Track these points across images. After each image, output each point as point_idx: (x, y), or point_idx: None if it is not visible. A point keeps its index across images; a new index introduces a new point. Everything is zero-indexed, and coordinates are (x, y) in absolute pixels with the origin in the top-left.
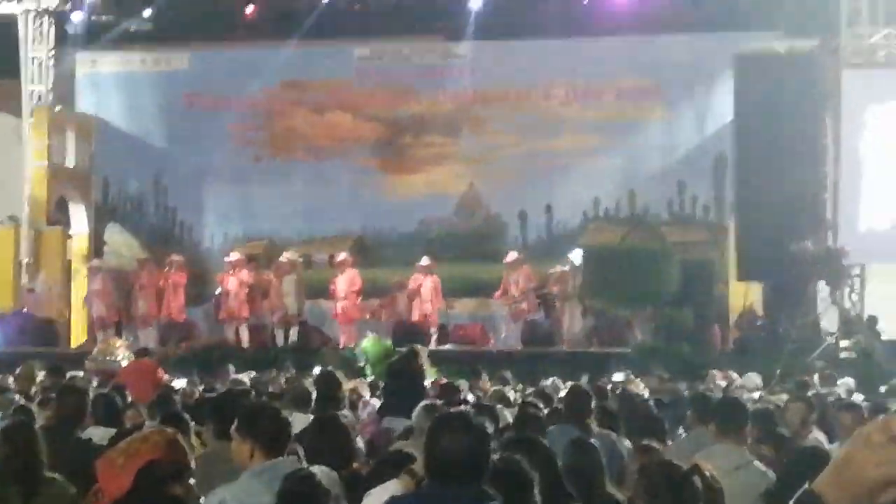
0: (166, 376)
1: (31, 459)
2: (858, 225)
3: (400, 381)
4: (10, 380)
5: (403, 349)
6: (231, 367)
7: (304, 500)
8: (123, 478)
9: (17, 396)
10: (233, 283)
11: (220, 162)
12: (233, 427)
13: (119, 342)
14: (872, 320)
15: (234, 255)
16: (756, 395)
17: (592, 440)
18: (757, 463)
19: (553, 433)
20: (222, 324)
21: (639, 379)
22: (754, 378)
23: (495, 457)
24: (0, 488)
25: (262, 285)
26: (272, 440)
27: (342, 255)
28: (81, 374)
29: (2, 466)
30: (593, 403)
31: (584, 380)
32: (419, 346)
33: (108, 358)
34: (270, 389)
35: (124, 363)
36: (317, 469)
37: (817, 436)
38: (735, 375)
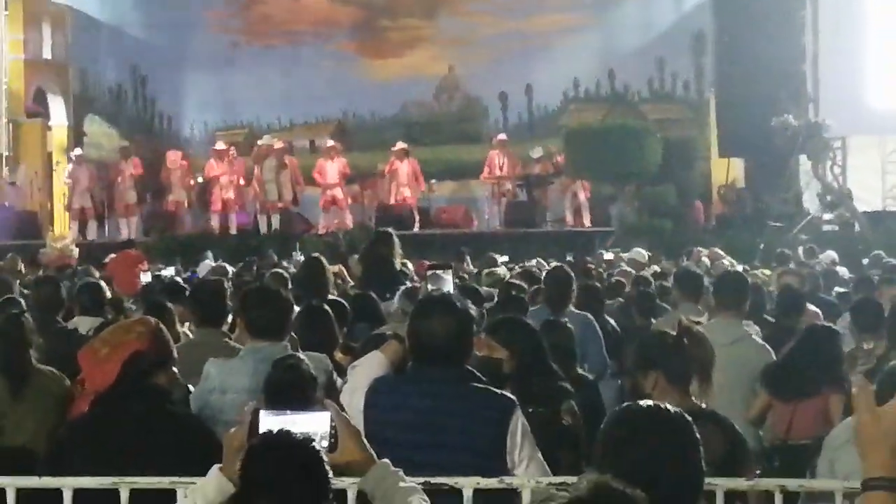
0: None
1: (16, 351)
2: (841, 97)
3: (371, 266)
4: None
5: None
6: (209, 255)
7: (289, 387)
8: (107, 369)
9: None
10: (219, 171)
11: (198, 50)
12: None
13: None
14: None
15: (221, 145)
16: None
17: (565, 320)
18: (755, 337)
19: (530, 315)
20: (209, 213)
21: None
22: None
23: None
24: None
25: (244, 173)
26: (258, 320)
27: (330, 142)
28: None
29: None
30: (574, 284)
31: (568, 258)
32: (390, 230)
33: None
34: (246, 277)
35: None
36: (309, 355)
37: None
38: (720, 252)
